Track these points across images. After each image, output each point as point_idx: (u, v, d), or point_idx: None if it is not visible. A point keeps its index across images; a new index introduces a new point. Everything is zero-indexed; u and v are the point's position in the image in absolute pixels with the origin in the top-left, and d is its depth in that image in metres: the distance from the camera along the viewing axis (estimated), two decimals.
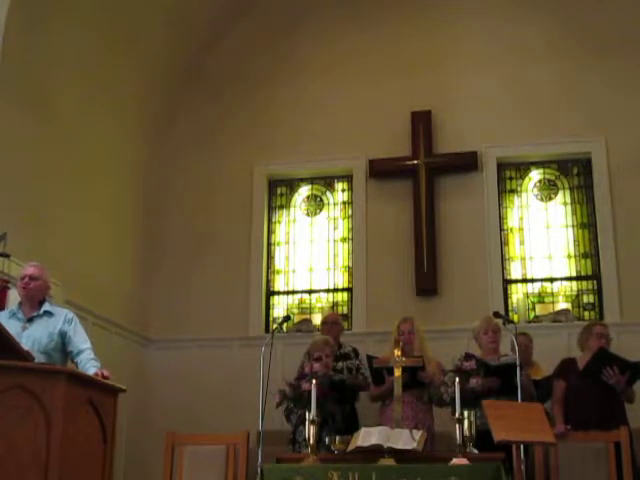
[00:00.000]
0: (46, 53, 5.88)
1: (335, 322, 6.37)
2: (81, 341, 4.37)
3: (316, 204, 7.74)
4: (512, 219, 7.30)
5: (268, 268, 7.54)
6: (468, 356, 5.16)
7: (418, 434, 4.27)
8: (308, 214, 7.72)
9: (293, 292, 7.53)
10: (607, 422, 4.80)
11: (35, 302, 4.40)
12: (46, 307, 4.42)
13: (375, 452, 4.21)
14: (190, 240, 7.54)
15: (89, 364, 4.25)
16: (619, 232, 6.86)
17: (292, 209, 7.75)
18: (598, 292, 6.95)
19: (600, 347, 5.19)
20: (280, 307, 7.48)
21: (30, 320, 4.35)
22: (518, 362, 4.88)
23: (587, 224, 7.14)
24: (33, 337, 4.23)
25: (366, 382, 5.72)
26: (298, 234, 7.66)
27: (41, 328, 4.32)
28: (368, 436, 4.29)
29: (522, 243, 7.23)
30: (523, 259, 7.18)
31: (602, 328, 5.37)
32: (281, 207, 7.75)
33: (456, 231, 7.12)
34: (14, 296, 4.80)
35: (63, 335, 4.35)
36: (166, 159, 7.75)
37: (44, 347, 4.25)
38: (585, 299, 7.02)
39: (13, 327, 4.09)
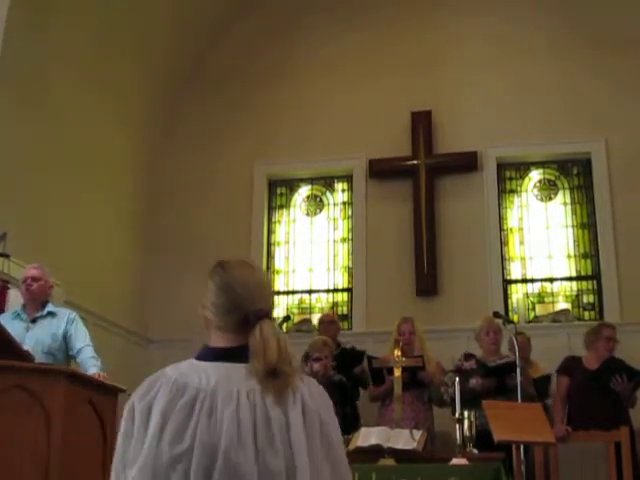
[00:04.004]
0: (47, 51, 5.89)
1: (332, 322, 6.39)
2: (80, 340, 4.39)
3: (316, 204, 7.74)
4: (512, 219, 7.29)
5: (268, 268, 7.54)
6: (468, 356, 5.16)
7: (418, 434, 4.27)
8: (308, 214, 7.72)
9: (293, 292, 7.52)
10: (611, 425, 4.80)
11: (38, 303, 4.43)
12: (49, 308, 4.44)
13: (375, 452, 4.21)
14: (190, 240, 7.53)
15: (89, 363, 4.26)
16: (619, 232, 6.85)
17: (292, 209, 7.74)
18: (598, 292, 6.94)
19: (611, 355, 5.24)
20: (280, 307, 7.47)
21: (34, 321, 4.37)
22: (518, 362, 4.88)
23: (587, 224, 7.14)
24: (37, 338, 4.25)
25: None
26: (298, 234, 7.66)
27: (44, 329, 4.35)
28: (368, 436, 4.29)
29: (522, 243, 7.22)
30: (523, 259, 7.18)
31: (611, 331, 5.38)
32: (281, 207, 7.75)
33: (456, 231, 7.11)
34: (14, 296, 4.81)
35: (66, 336, 4.37)
36: (166, 159, 7.75)
37: (48, 348, 4.28)
38: (585, 299, 7.01)
39: (17, 328, 4.11)
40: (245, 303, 1.71)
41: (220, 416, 1.58)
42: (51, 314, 4.42)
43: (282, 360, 1.63)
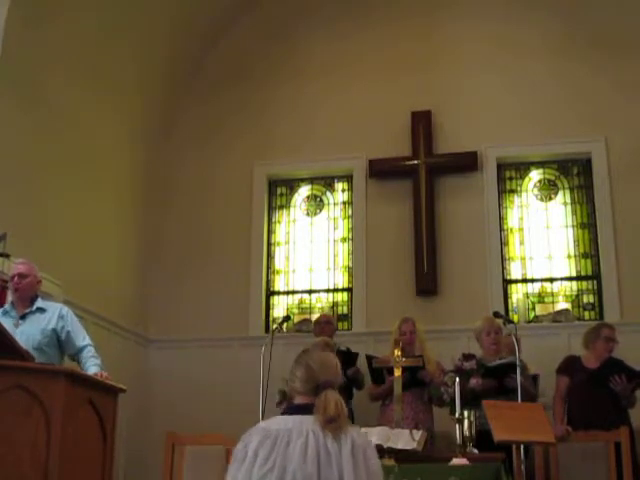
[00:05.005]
0: (46, 50, 5.88)
1: (328, 322, 6.41)
2: (80, 339, 4.37)
3: (316, 204, 7.74)
4: (512, 219, 7.29)
5: (268, 268, 7.54)
6: (468, 356, 5.16)
7: (418, 434, 4.27)
8: (308, 214, 7.72)
9: (293, 292, 7.52)
10: (611, 425, 4.81)
11: (27, 299, 4.40)
12: (38, 303, 4.41)
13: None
14: (190, 240, 7.54)
15: (90, 362, 4.25)
16: (619, 232, 6.85)
17: (292, 209, 7.74)
18: (598, 292, 6.94)
19: (610, 356, 5.26)
20: (280, 307, 7.48)
21: (23, 317, 4.34)
22: (518, 362, 4.88)
23: (587, 224, 7.14)
24: (27, 334, 4.20)
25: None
26: (298, 234, 7.66)
27: (34, 325, 4.31)
28: (368, 436, 4.29)
29: (522, 243, 7.22)
30: (523, 259, 7.17)
31: (611, 332, 5.39)
32: (281, 207, 7.75)
33: (456, 231, 7.11)
34: None
35: (59, 332, 4.34)
36: (166, 159, 7.75)
37: (37, 343, 4.24)
38: (585, 299, 7.01)
39: (6, 325, 4.08)
40: (317, 376, 2.52)
41: (294, 445, 2.40)
42: (40, 310, 4.38)
43: (338, 415, 2.44)
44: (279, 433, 2.44)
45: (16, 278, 4.37)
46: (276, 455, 2.39)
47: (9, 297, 4.84)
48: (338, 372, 2.60)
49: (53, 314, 4.38)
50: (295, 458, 2.37)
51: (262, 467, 2.38)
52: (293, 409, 2.56)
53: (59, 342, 4.36)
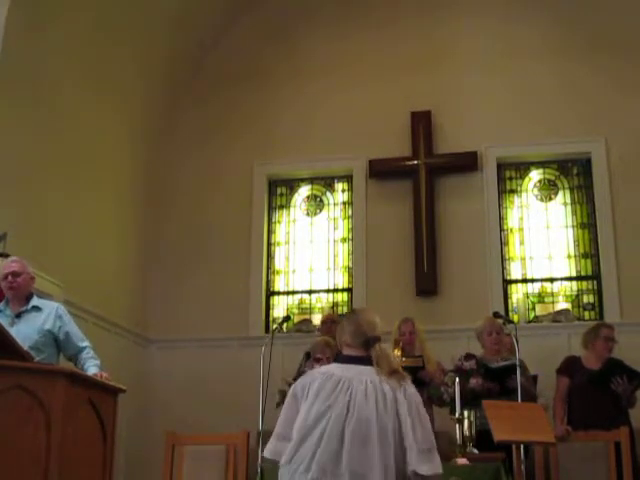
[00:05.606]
0: (47, 51, 5.87)
1: (334, 321, 6.38)
2: (79, 339, 4.35)
3: (316, 204, 7.74)
4: (512, 219, 7.29)
5: (268, 268, 7.54)
6: (468, 356, 5.16)
7: None
8: (308, 214, 7.72)
9: (293, 292, 7.52)
10: (611, 425, 4.81)
11: (23, 297, 4.37)
12: (34, 302, 4.36)
13: None
14: (190, 240, 7.54)
15: (89, 363, 4.23)
16: (619, 232, 6.86)
17: (292, 209, 7.74)
18: (598, 292, 6.95)
19: (610, 357, 5.27)
20: (280, 307, 7.48)
21: (18, 316, 4.30)
22: (518, 362, 4.88)
23: (587, 224, 7.14)
24: (23, 333, 4.15)
25: None
26: (298, 234, 7.66)
27: (30, 324, 4.27)
28: None
29: (522, 243, 7.22)
30: (523, 259, 7.18)
31: (610, 331, 5.39)
32: (281, 207, 7.75)
33: (456, 231, 7.11)
34: None
35: (56, 332, 4.30)
36: (166, 159, 7.75)
37: (34, 343, 4.20)
38: (585, 299, 7.02)
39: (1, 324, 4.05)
40: (366, 332, 2.85)
41: (355, 391, 2.70)
42: (36, 308, 4.33)
43: (398, 365, 2.83)
44: (341, 378, 2.74)
45: (10, 277, 4.33)
46: (337, 394, 2.69)
47: None
48: (380, 330, 2.90)
49: (49, 314, 4.35)
50: (356, 400, 2.68)
51: (323, 403, 2.68)
52: (348, 359, 2.85)
53: (56, 342, 4.34)
